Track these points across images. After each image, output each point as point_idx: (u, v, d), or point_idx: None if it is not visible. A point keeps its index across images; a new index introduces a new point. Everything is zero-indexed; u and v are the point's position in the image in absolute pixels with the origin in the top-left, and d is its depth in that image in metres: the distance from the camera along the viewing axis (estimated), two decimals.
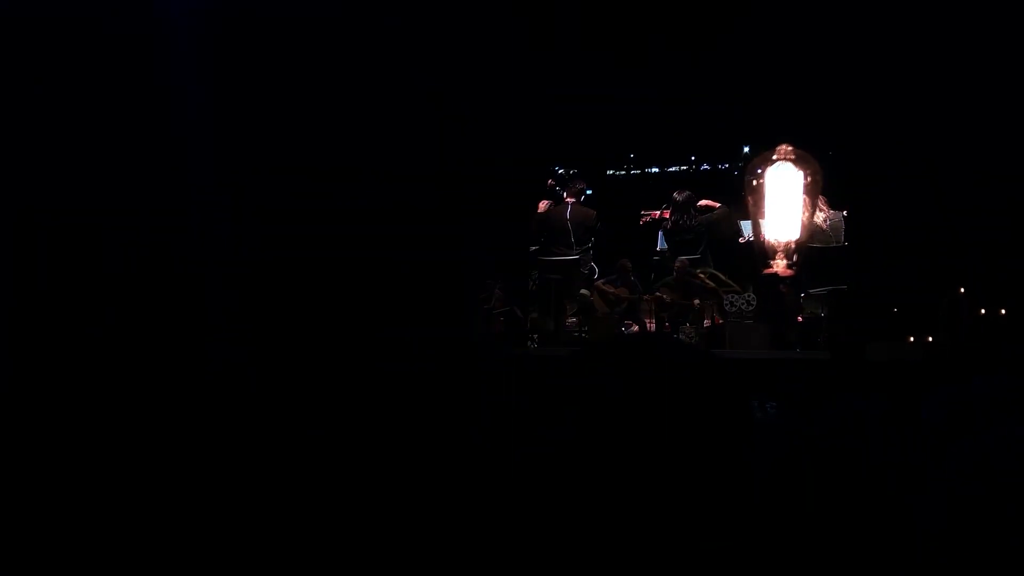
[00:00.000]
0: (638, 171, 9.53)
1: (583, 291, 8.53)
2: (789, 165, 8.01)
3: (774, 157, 8.19)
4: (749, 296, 7.73)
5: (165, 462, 2.98)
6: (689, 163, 9.22)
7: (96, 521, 2.54)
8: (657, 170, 9.42)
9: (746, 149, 8.94)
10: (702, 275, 8.07)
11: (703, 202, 8.28)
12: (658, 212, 8.39)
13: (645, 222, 8.49)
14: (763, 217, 8.25)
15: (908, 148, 7.44)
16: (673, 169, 9.30)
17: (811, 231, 8.09)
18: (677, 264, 8.11)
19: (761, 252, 8.30)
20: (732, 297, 7.80)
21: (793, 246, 7.88)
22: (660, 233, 8.54)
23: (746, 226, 8.58)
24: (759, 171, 8.58)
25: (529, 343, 8.32)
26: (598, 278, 8.70)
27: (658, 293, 8.03)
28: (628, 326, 7.91)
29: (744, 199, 8.73)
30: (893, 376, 5.38)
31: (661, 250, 8.52)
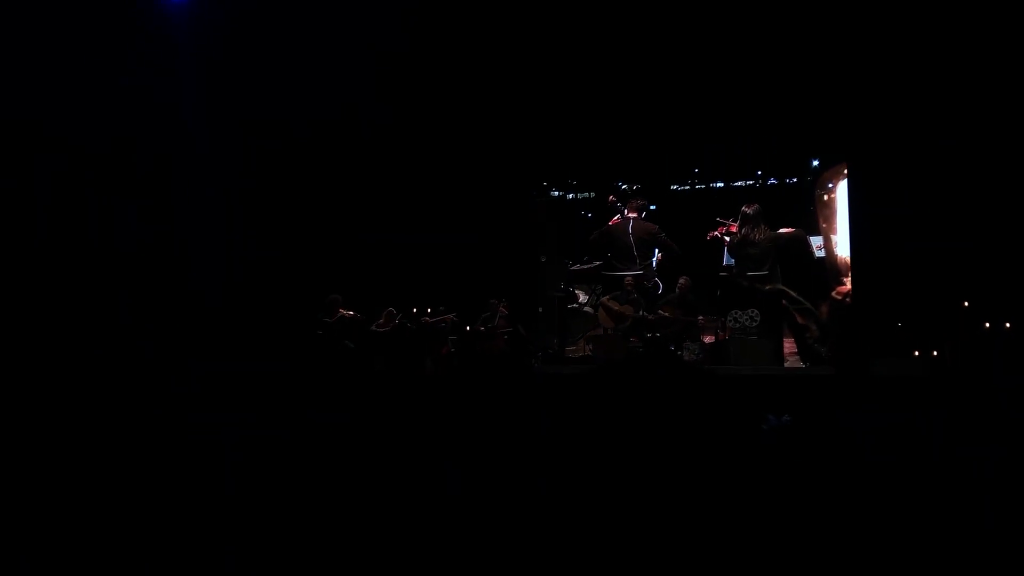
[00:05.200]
0: (702, 186, 9.33)
1: (587, 308, 8.56)
2: None
3: (846, 171, 7.96)
4: (752, 312, 7.66)
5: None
6: (756, 177, 8.98)
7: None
8: (722, 185, 9.21)
9: (815, 163, 8.69)
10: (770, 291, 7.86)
11: (782, 230, 8.07)
12: (724, 227, 8.20)
13: (712, 237, 8.29)
14: (835, 233, 8.02)
15: (914, 163, 7.19)
16: (739, 184, 9.07)
17: None
18: (681, 281, 8.03)
19: (833, 269, 8.06)
20: (736, 313, 7.77)
21: None
22: (726, 249, 8.34)
23: (816, 242, 8.32)
24: (830, 185, 8.35)
25: (533, 361, 8.23)
26: (661, 293, 8.56)
27: (661, 311, 7.95)
28: (634, 343, 7.90)
29: (814, 215, 8.50)
30: (898, 391, 5.34)
31: (727, 266, 8.32)
